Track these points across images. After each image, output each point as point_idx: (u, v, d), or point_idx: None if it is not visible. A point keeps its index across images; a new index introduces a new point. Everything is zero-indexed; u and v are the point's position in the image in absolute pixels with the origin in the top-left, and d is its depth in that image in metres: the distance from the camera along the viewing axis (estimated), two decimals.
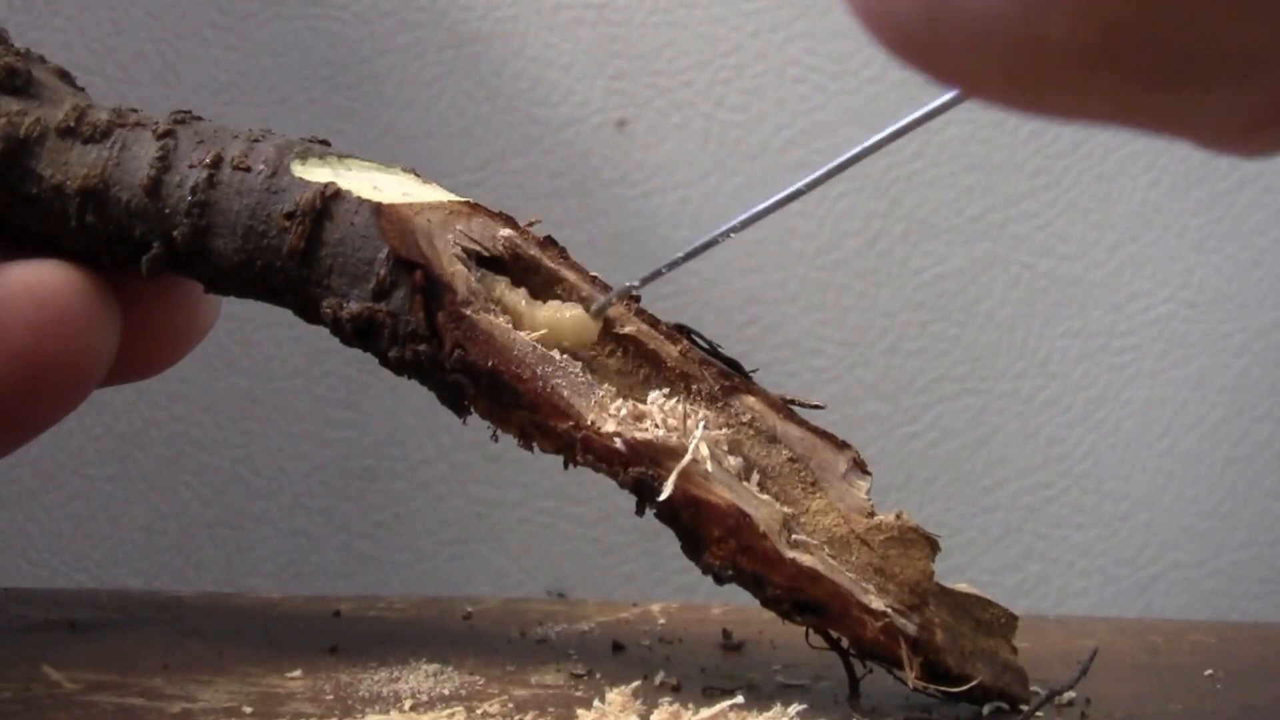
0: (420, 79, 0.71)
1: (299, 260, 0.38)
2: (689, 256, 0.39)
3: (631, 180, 0.71)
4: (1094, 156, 0.72)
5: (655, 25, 0.71)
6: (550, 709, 0.38)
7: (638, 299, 0.41)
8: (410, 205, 0.39)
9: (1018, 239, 0.72)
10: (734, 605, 0.51)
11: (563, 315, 0.39)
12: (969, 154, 0.72)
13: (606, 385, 0.39)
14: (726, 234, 0.38)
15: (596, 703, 0.37)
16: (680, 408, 0.39)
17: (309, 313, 0.39)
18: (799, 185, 0.37)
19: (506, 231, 0.40)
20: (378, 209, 0.38)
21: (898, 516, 0.39)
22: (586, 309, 0.39)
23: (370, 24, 0.71)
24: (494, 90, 0.71)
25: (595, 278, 0.40)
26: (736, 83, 0.71)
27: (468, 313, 0.38)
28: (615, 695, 0.37)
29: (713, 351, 0.40)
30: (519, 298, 0.39)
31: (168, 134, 0.39)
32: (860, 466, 0.39)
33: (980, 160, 0.72)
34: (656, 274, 0.39)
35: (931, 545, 0.39)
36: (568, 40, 0.71)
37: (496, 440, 0.40)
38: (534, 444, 0.39)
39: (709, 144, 0.72)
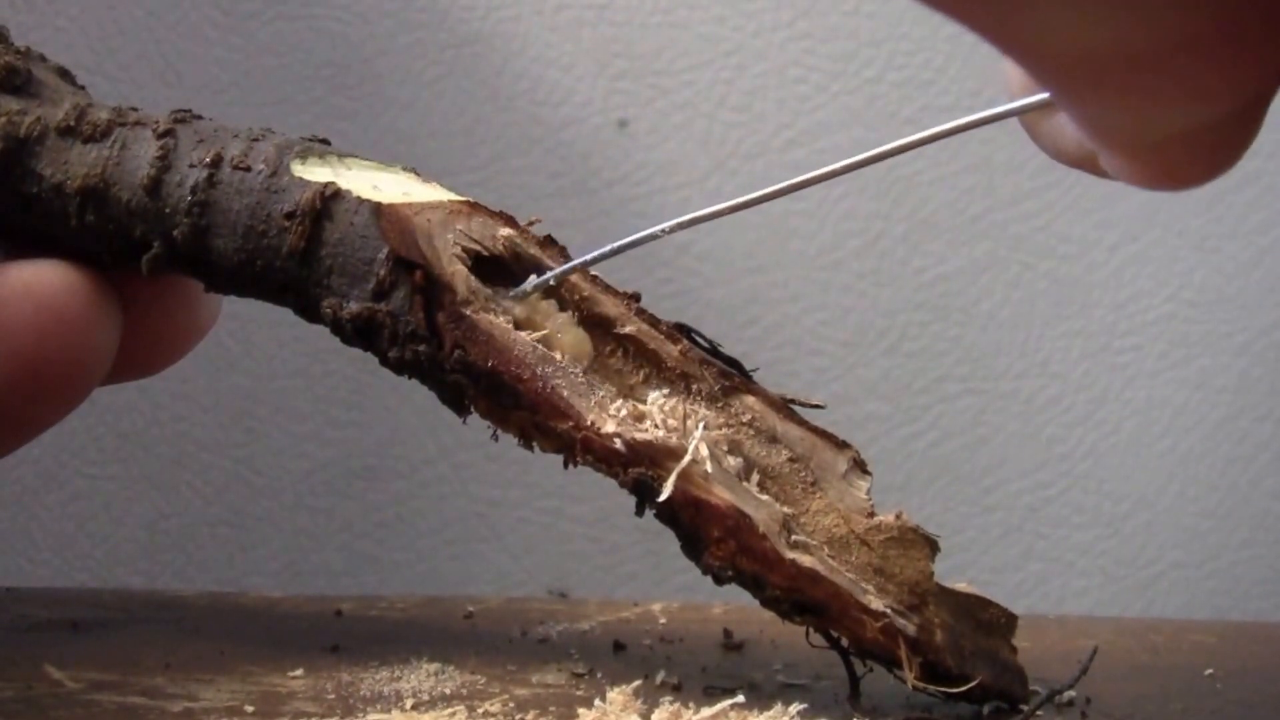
0: (421, 79, 0.71)
1: (299, 260, 0.38)
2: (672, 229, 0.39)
3: (633, 180, 0.71)
4: None
5: (656, 26, 0.71)
6: (551, 708, 0.38)
7: (637, 297, 0.41)
8: (410, 205, 0.39)
9: (1018, 239, 0.72)
10: (735, 605, 0.51)
11: (560, 329, 0.39)
12: (969, 154, 0.72)
13: (606, 385, 0.39)
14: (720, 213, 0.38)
15: (597, 702, 0.37)
16: (680, 408, 0.39)
17: (309, 312, 0.39)
18: (813, 175, 0.36)
19: (506, 231, 0.40)
20: (377, 209, 0.38)
21: (897, 517, 0.39)
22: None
23: (372, 24, 0.71)
24: (495, 90, 0.71)
25: (596, 277, 0.40)
26: (737, 83, 0.72)
27: (467, 313, 0.38)
28: (616, 694, 0.37)
29: (713, 351, 0.40)
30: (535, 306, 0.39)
31: (168, 133, 0.39)
32: (860, 466, 0.39)
33: (981, 161, 0.72)
34: (615, 251, 0.39)
35: (931, 545, 0.39)
36: (569, 40, 0.71)
37: (497, 440, 0.40)
38: (534, 444, 0.39)
39: (710, 144, 0.72)
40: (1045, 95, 0.28)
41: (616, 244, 0.38)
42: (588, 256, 0.39)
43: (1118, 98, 0.22)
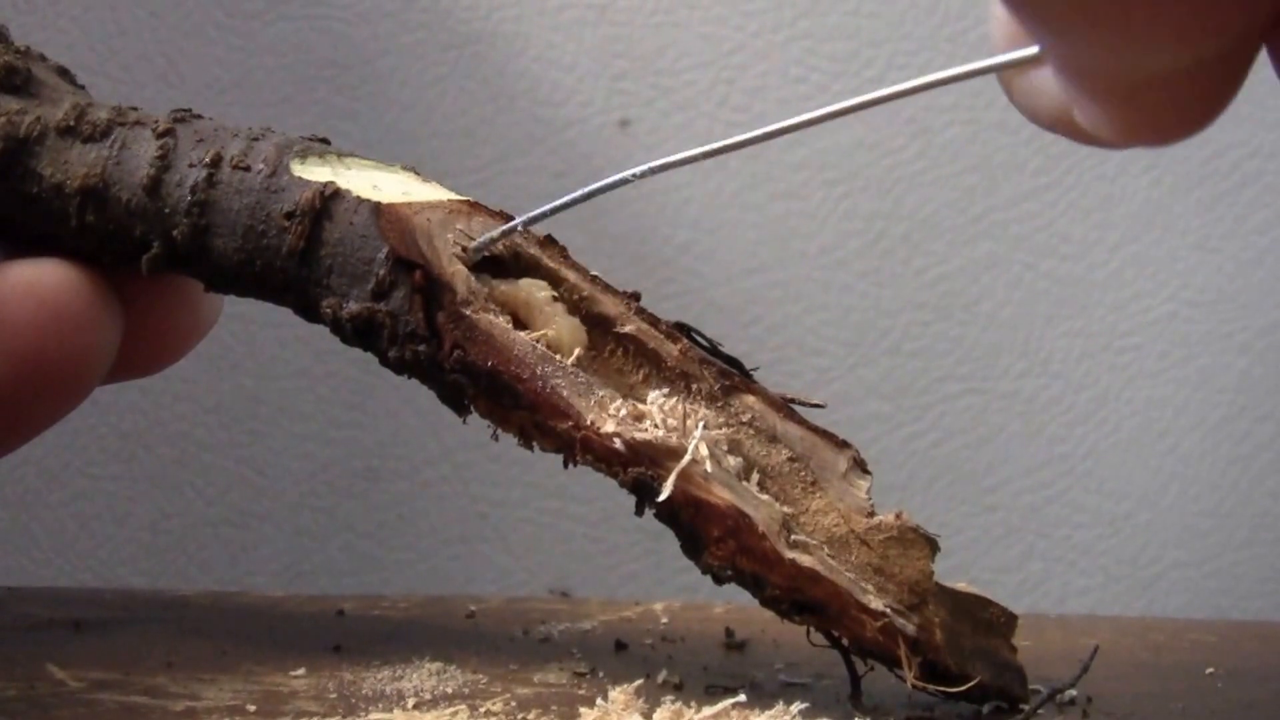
0: (423, 79, 0.71)
1: (298, 260, 0.38)
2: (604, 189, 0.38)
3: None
4: (1095, 156, 0.72)
5: (658, 26, 0.71)
6: (553, 707, 0.38)
7: (637, 297, 0.41)
8: (409, 205, 0.39)
9: (1019, 239, 0.72)
10: (736, 604, 0.51)
11: (555, 317, 0.39)
12: (971, 154, 0.72)
13: (606, 385, 0.39)
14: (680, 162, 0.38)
15: (599, 701, 0.37)
16: (680, 407, 0.39)
17: (309, 312, 0.39)
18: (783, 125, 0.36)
19: None
20: (377, 208, 0.38)
21: (897, 516, 0.39)
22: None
23: (373, 24, 0.71)
24: (497, 90, 0.71)
25: (596, 277, 0.40)
26: (739, 83, 0.72)
27: (467, 313, 0.38)
28: (618, 694, 0.37)
29: (713, 350, 0.40)
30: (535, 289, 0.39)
31: (167, 133, 0.39)
32: (860, 466, 0.39)
33: (982, 161, 0.72)
34: (556, 209, 0.38)
35: (931, 545, 0.39)
36: (571, 40, 0.71)
37: (497, 440, 0.40)
38: (534, 444, 0.39)
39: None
40: (1030, 51, 0.28)
41: (584, 190, 0.38)
42: (555, 203, 0.38)
43: (1102, 35, 0.22)
